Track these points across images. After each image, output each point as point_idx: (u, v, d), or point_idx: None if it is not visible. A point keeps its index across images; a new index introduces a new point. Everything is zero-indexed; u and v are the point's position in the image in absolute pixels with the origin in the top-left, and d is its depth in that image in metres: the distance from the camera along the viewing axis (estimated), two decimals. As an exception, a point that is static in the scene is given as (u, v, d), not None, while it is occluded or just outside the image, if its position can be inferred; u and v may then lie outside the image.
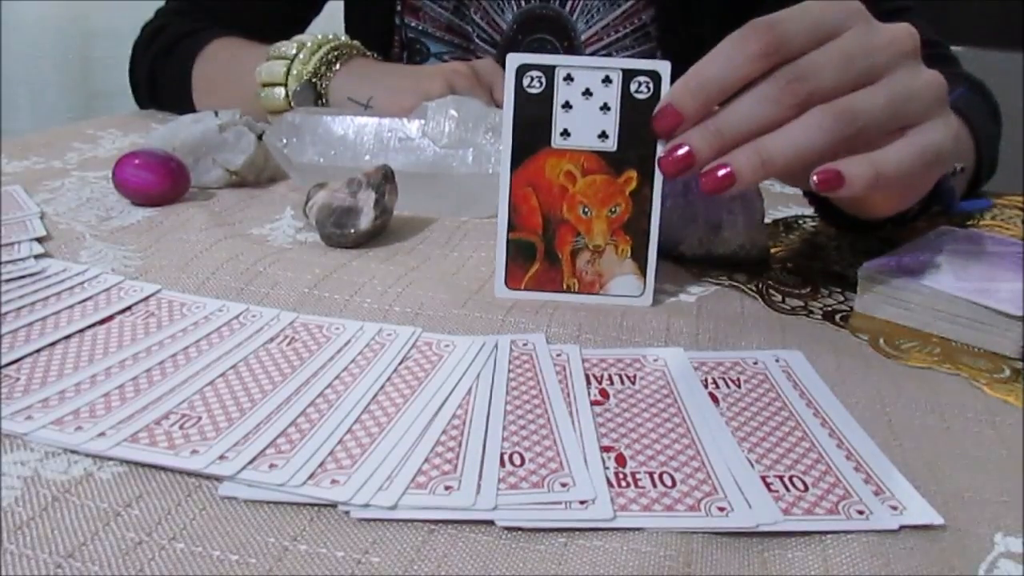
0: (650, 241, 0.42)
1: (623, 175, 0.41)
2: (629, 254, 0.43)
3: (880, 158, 0.38)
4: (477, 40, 0.82)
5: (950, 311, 0.40)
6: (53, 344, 0.37)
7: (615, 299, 0.43)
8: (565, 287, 0.43)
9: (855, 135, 0.37)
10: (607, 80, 0.41)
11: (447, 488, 0.28)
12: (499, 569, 0.25)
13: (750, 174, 0.38)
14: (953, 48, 0.79)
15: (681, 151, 0.39)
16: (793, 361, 0.38)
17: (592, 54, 0.79)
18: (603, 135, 0.41)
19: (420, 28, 0.84)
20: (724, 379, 0.36)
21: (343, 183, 0.50)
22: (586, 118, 0.41)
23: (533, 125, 0.41)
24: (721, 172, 0.38)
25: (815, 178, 0.38)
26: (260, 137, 0.61)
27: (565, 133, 0.41)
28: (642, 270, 0.43)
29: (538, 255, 0.43)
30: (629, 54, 0.79)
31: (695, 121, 0.39)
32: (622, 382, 0.35)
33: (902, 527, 0.27)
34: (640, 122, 0.40)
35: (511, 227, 0.43)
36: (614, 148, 0.41)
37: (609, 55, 0.78)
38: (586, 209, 0.42)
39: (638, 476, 0.29)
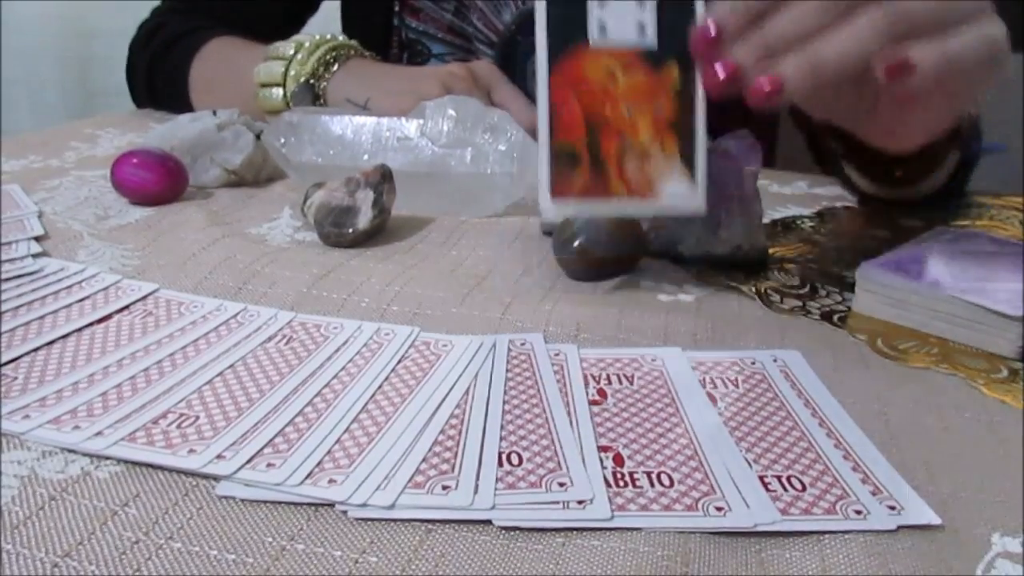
0: (697, 140, 0.39)
1: (665, 71, 0.39)
2: (677, 154, 0.39)
3: (948, 44, 0.36)
4: (475, 42, 0.82)
5: (948, 311, 0.40)
6: (51, 343, 0.37)
7: (668, 206, 0.40)
8: (614, 194, 0.40)
9: (907, 35, 0.36)
10: None
11: (445, 488, 0.28)
12: (497, 569, 0.25)
13: (800, 81, 0.36)
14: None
15: (726, 63, 0.36)
16: (791, 361, 0.38)
17: None
18: (641, 29, 0.39)
19: (421, 29, 0.84)
20: (722, 379, 0.36)
21: (341, 182, 0.50)
22: (622, 11, 0.38)
23: (567, 22, 0.38)
24: (769, 80, 0.36)
25: (883, 67, 0.36)
26: (258, 136, 0.61)
27: (602, 29, 0.39)
28: (692, 172, 0.39)
29: (583, 162, 0.39)
30: None
31: (737, 38, 0.37)
32: (620, 382, 0.35)
33: (900, 527, 0.27)
34: (679, 14, 0.38)
35: (555, 134, 0.39)
36: (653, 43, 0.39)
37: None
38: (629, 109, 0.39)
39: (636, 476, 0.29)
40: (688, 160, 0.39)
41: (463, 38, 0.83)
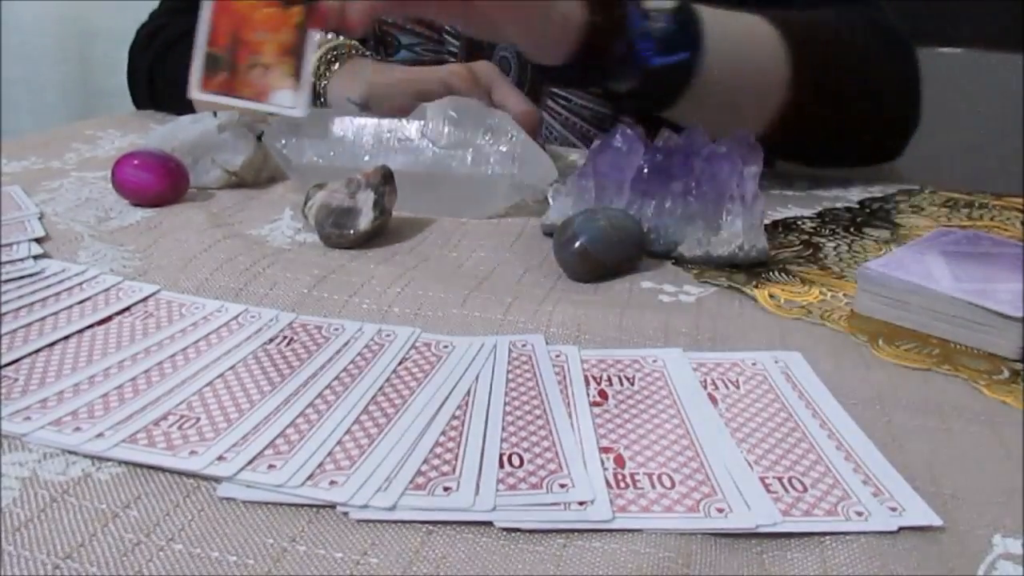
0: (305, 63, 0.53)
1: (292, 10, 0.53)
2: (291, 72, 0.53)
3: None
4: (443, 33, 0.81)
5: (949, 312, 0.40)
6: (52, 345, 0.37)
7: (276, 109, 0.54)
8: (241, 94, 0.54)
9: None
10: None
11: (446, 489, 0.28)
12: (498, 570, 0.25)
13: (361, 12, 0.50)
14: (952, 50, 0.79)
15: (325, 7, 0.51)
16: (792, 362, 0.38)
17: None
18: None
19: (391, 20, 0.83)
20: (723, 380, 0.36)
21: (342, 184, 0.50)
22: None
23: None
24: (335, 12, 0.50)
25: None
26: (259, 138, 0.61)
27: None
28: (298, 87, 0.53)
29: (224, 66, 0.54)
30: None
31: None
32: (621, 383, 0.35)
33: (901, 528, 0.27)
34: None
35: (209, 42, 0.54)
36: None
37: None
38: (262, 34, 0.53)
39: (637, 477, 0.29)
40: (298, 78, 0.53)
41: (432, 28, 0.82)
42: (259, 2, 0.53)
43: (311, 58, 0.53)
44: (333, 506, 0.27)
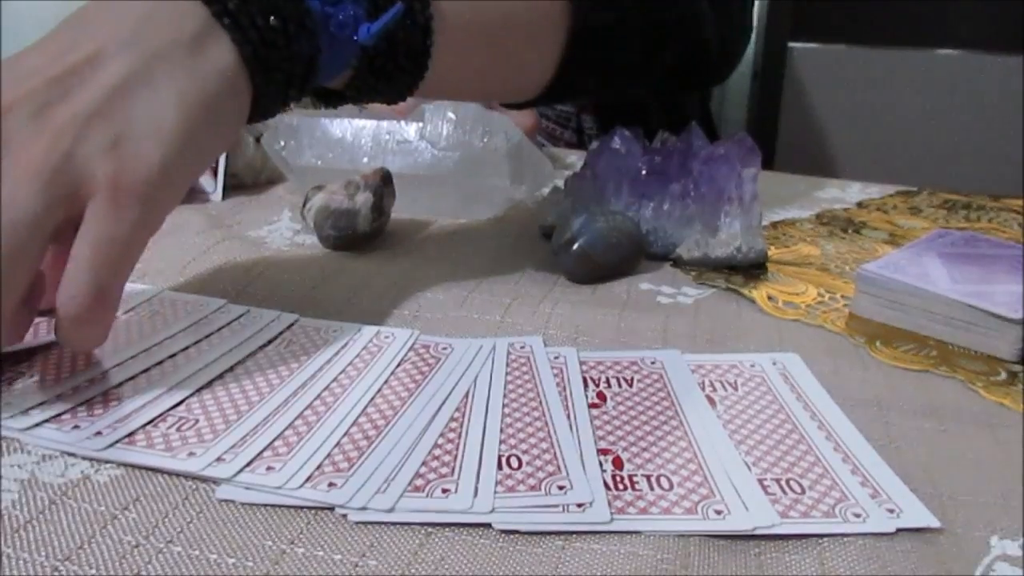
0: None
1: None
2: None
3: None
4: None
5: (947, 314, 0.40)
6: (50, 345, 0.37)
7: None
8: None
9: None
10: None
11: (444, 491, 0.28)
12: (496, 572, 0.25)
13: None
14: (952, 51, 0.79)
15: None
16: (790, 364, 0.38)
17: None
18: None
19: None
20: (721, 382, 0.36)
21: (341, 185, 0.50)
22: None
23: None
24: None
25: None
26: (258, 139, 0.61)
27: None
28: (216, 175, 0.58)
29: None
30: None
31: None
32: (619, 385, 0.36)
33: (899, 530, 0.27)
34: None
35: None
36: None
37: None
38: None
39: (635, 479, 0.29)
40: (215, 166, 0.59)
41: None
42: None
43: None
44: (332, 508, 0.27)
